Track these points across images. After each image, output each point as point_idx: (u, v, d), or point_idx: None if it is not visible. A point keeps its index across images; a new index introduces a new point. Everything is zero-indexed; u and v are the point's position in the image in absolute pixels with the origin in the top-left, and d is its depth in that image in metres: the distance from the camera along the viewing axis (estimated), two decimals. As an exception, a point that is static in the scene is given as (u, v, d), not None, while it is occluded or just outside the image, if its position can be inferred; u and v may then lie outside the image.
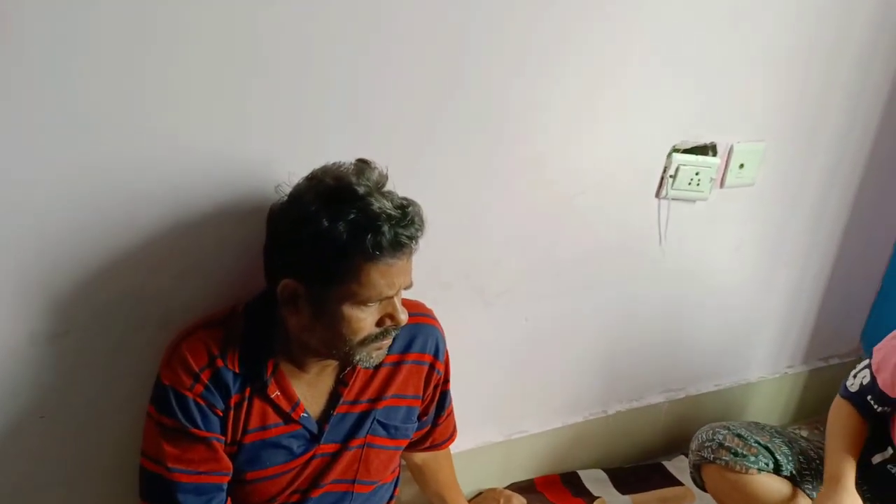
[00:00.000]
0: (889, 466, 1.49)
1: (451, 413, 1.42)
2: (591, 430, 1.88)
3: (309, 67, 1.17)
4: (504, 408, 1.74)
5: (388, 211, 1.03)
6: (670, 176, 1.61)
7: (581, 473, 1.89)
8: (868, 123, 1.86)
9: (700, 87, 1.57)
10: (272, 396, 1.13)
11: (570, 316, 1.70)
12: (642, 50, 1.47)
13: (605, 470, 1.92)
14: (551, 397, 1.79)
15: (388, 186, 1.09)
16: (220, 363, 1.10)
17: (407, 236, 1.04)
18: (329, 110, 1.22)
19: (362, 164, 1.08)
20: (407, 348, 1.25)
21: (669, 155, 1.60)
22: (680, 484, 1.89)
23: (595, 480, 1.88)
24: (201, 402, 1.08)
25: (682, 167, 1.61)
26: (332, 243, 1.01)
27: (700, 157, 1.63)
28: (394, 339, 1.22)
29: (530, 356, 1.69)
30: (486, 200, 1.45)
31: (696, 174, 1.63)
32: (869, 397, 1.49)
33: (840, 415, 1.53)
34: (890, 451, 1.49)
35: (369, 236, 1.01)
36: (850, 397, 1.52)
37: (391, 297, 1.08)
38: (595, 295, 1.70)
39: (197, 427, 1.09)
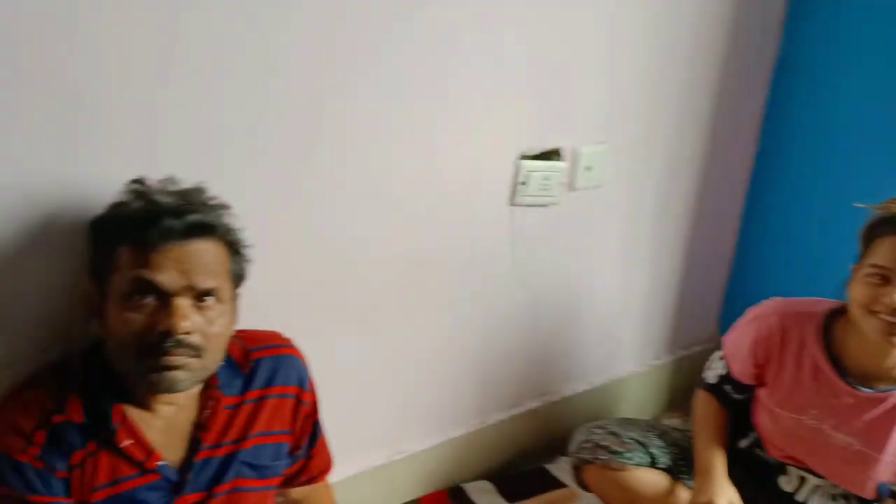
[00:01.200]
0: (756, 450, 1.57)
1: (324, 443, 1.37)
2: (474, 442, 1.88)
3: (129, 90, 1.11)
4: (382, 429, 1.71)
5: (157, 197, 1.01)
6: (521, 183, 1.64)
7: (466, 487, 1.88)
8: (701, 118, 1.98)
9: (539, 93, 1.61)
10: (122, 446, 1.05)
11: (438, 329, 1.69)
12: (478, 62, 1.49)
13: (490, 480, 1.92)
14: (430, 413, 1.78)
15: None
16: (56, 418, 1.01)
17: (171, 222, 0.98)
18: (154, 132, 1.15)
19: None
20: (269, 382, 1.20)
21: (518, 162, 1.63)
22: (564, 486, 1.91)
23: (481, 492, 1.88)
24: (39, 466, 0.99)
25: (531, 173, 1.64)
26: (102, 226, 1.04)
27: (548, 163, 1.66)
28: (254, 375, 1.18)
29: (404, 374, 1.68)
30: (340, 218, 1.42)
31: (546, 179, 1.67)
32: (726, 387, 1.56)
33: (703, 407, 1.60)
34: (753, 435, 1.57)
35: (119, 209, 1.02)
36: (709, 389, 1.60)
37: (171, 298, 0.99)
38: (460, 306, 1.71)
39: (37, 493, 0.99)
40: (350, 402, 1.56)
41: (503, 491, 1.89)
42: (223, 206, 1.08)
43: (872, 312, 1.30)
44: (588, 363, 2.08)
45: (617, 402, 2.19)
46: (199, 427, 1.12)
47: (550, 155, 1.68)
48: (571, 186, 1.75)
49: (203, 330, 1.02)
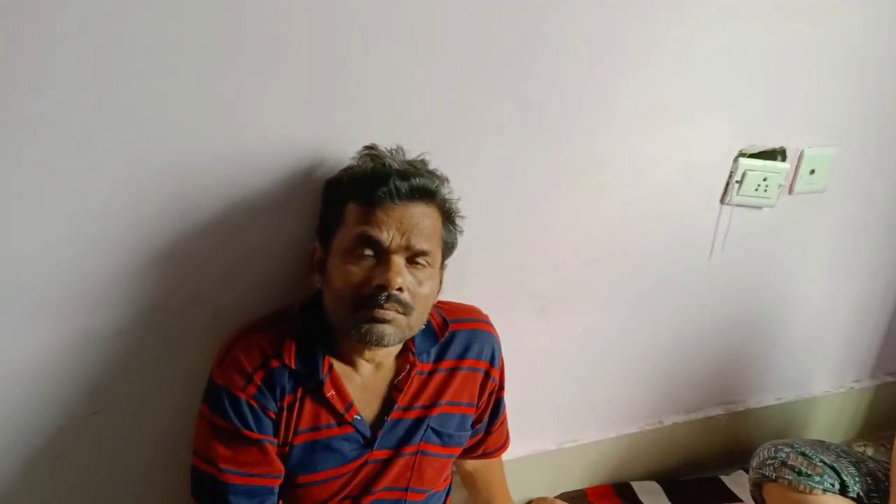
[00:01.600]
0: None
1: (504, 421, 1.39)
2: (646, 441, 1.83)
3: (363, 62, 1.15)
4: (557, 417, 1.70)
5: (385, 161, 1.06)
6: (736, 181, 1.55)
7: (634, 485, 1.84)
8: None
9: (770, 90, 1.51)
10: (327, 395, 1.11)
11: (626, 325, 1.65)
12: (710, 49, 1.41)
13: (659, 482, 1.86)
14: (606, 407, 1.75)
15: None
16: (274, 363, 1.08)
17: (396, 183, 1.03)
18: (381, 105, 1.19)
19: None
20: (462, 355, 1.22)
21: (736, 160, 1.54)
22: (738, 500, 1.82)
23: (649, 493, 1.83)
24: (254, 405, 1.07)
25: (749, 172, 1.55)
26: (334, 186, 1.11)
27: (768, 163, 1.56)
28: (449, 345, 1.21)
29: (585, 365, 1.65)
30: (543, 203, 1.41)
31: (764, 180, 1.57)
32: None
33: None
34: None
35: (351, 170, 1.09)
36: None
37: (388, 254, 1.03)
38: (652, 303, 1.65)
39: (249, 429, 1.07)
40: (528, 385, 1.55)
41: (672, 495, 1.83)
42: (443, 178, 1.12)
43: None
44: (779, 376, 1.95)
45: (805, 422, 2.05)
46: (394, 388, 1.17)
47: (773, 154, 1.57)
48: (790, 189, 1.63)
49: (413, 289, 1.06)
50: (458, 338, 1.22)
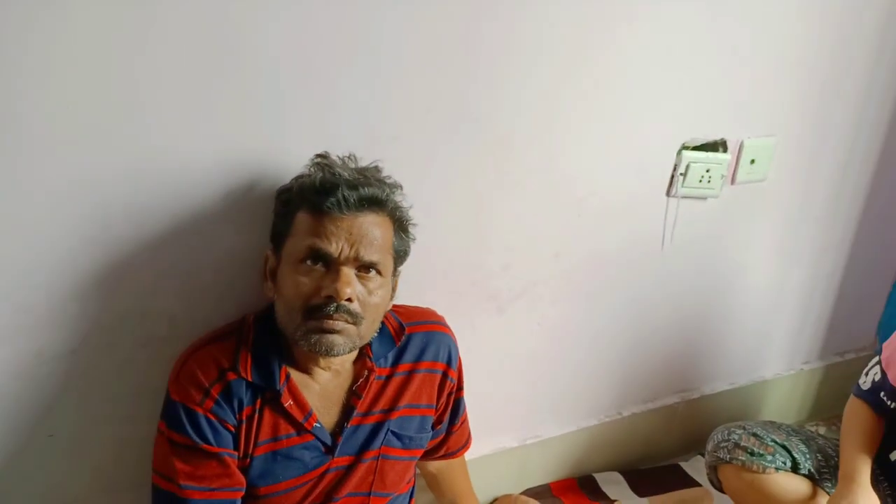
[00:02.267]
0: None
1: (465, 420, 1.40)
2: (607, 433, 1.86)
3: (315, 72, 1.15)
4: (518, 413, 1.72)
5: (336, 170, 1.06)
6: (681, 174, 1.59)
7: (597, 476, 1.87)
8: (879, 116, 1.84)
9: (708, 83, 1.55)
10: (285, 405, 1.11)
11: (582, 319, 1.68)
12: (648, 46, 1.44)
13: (621, 472, 1.89)
14: (565, 401, 1.77)
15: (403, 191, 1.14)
16: (230, 375, 1.08)
17: (345, 193, 1.03)
18: (336, 114, 1.20)
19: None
20: (419, 357, 1.23)
21: (679, 153, 1.58)
22: (698, 485, 1.86)
23: (612, 483, 1.86)
24: (212, 418, 1.06)
25: (692, 164, 1.59)
26: (284, 194, 1.11)
27: (710, 154, 1.60)
28: (406, 348, 1.22)
29: (543, 361, 1.68)
30: (495, 203, 1.43)
31: (707, 171, 1.61)
32: (882, 394, 1.47)
33: (854, 413, 1.51)
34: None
35: (301, 179, 1.08)
36: (863, 395, 1.51)
37: (337, 265, 1.04)
38: (607, 297, 1.68)
39: (208, 443, 1.07)
40: (487, 384, 1.57)
41: (634, 484, 1.86)
42: (395, 185, 1.13)
43: None
44: (732, 362, 2.00)
45: (759, 405, 2.10)
46: (353, 394, 1.17)
47: (714, 146, 1.61)
48: (733, 179, 1.68)
49: (363, 299, 1.06)
50: (414, 340, 1.23)
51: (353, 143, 1.17)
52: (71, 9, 0.97)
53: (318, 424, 1.14)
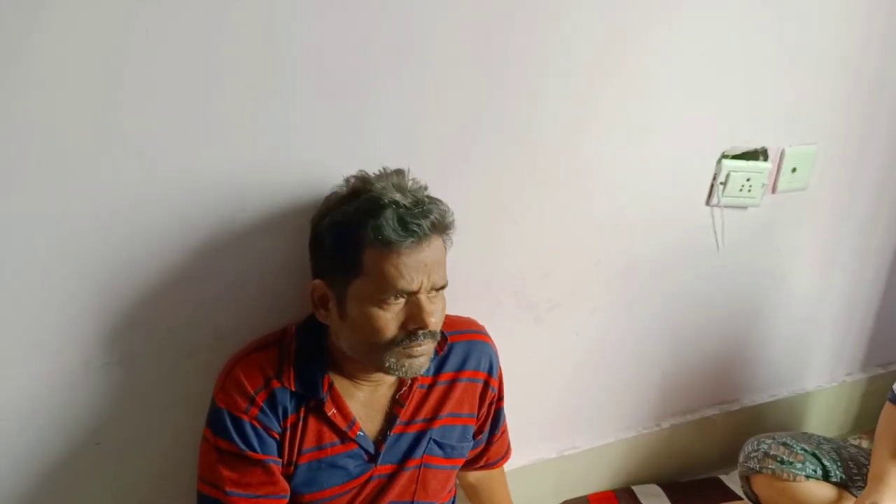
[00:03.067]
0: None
1: (505, 431, 1.40)
2: (645, 445, 1.84)
3: (355, 79, 1.16)
4: (557, 424, 1.71)
5: (397, 198, 1.03)
6: (720, 183, 1.57)
7: (636, 489, 1.85)
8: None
9: (749, 91, 1.53)
10: (329, 414, 1.11)
11: (621, 329, 1.66)
12: (688, 54, 1.44)
13: (660, 485, 1.87)
14: (604, 412, 1.76)
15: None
16: (275, 384, 1.09)
17: (417, 223, 1.01)
18: (375, 119, 1.20)
19: (394, 170, 1.10)
20: (461, 366, 1.23)
21: (719, 161, 1.57)
22: (738, 498, 1.83)
23: (651, 496, 1.83)
24: (257, 425, 1.07)
25: (732, 173, 1.57)
26: (342, 229, 1.04)
27: (751, 163, 1.59)
28: (448, 357, 1.22)
29: (582, 371, 1.66)
30: (533, 212, 1.42)
31: (748, 180, 1.59)
32: None
33: (888, 418, 1.50)
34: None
35: (372, 220, 1.01)
36: None
37: (415, 296, 1.04)
38: (645, 307, 1.67)
39: (254, 450, 1.08)
40: (525, 394, 1.55)
41: (673, 497, 1.84)
42: (440, 201, 1.10)
43: None
44: (773, 373, 1.97)
45: (800, 418, 2.07)
46: (396, 403, 1.18)
47: (755, 155, 1.60)
48: (774, 188, 1.66)
49: (437, 318, 1.08)
50: (456, 350, 1.23)
51: (390, 154, 1.17)
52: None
53: (361, 433, 1.15)
